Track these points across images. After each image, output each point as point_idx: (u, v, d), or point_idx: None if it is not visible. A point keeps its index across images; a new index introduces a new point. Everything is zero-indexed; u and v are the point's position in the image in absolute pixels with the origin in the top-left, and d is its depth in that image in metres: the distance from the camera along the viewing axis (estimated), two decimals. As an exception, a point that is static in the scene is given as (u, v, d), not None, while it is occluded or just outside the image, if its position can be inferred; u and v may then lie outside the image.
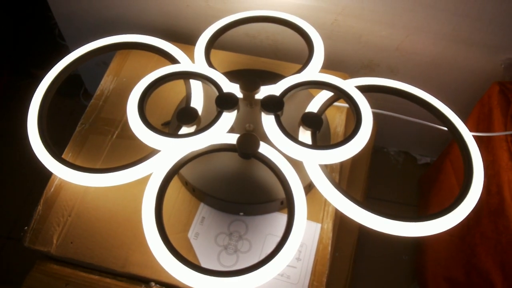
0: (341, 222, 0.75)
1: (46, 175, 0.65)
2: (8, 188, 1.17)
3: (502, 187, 0.67)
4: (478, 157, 0.61)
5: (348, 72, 0.84)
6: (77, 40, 1.03)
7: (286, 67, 0.79)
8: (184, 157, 0.58)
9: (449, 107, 0.64)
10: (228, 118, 0.59)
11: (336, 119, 0.72)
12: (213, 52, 0.80)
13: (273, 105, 0.59)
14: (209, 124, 0.58)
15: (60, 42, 1.13)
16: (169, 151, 0.58)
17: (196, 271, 0.50)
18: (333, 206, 0.64)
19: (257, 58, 0.80)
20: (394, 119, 0.73)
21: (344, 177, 0.76)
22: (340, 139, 0.71)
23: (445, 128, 0.65)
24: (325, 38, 0.86)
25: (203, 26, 0.82)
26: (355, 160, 0.83)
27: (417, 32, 0.80)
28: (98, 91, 0.75)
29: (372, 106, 0.70)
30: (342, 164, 0.74)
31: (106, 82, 0.76)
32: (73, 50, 0.70)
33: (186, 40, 0.94)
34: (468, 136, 0.63)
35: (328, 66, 0.77)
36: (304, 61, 0.69)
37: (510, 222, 0.64)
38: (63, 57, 0.69)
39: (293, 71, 0.68)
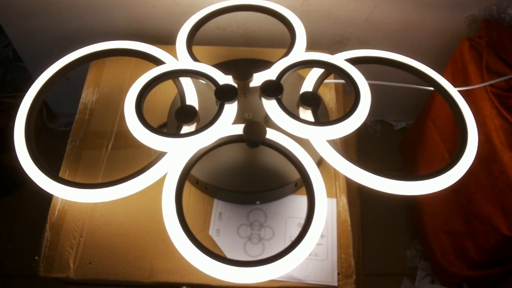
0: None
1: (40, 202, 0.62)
2: None
3: (490, 135, 0.71)
4: (468, 112, 0.64)
5: (321, 49, 0.86)
6: (37, 59, 0.98)
7: (266, 53, 0.79)
8: (195, 155, 0.57)
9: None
10: (231, 109, 0.58)
11: (327, 96, 0.73)
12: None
13: (273, 89, 0.59)
14: (214, 119, 0.57)
15: (17, 64, 1.07)
16: (178, 151, 0.57)
17: (231, 265, 0.50)
18: (343, 180, 0.66)
19: (236, 48, 0.80)
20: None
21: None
22: (335, 114, 0.72)
23: (431, 88, 0.68)
24: (296, 20, 0.87)
25: (173, 24, 0.81)
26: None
27: (384, 1, 0.83)
28: (80, 105, 0.72)
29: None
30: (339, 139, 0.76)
31: (87, 95, 0.73)
32: (33, 71, 0.66)
33: (156, 41, 0.92)
34: (455, 93, 0.66)
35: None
36: (279, 45, 0.69)
37: (504, 165, 0.68)
38: (26, 79, 0.65)
39: (273, 56, 0.69)
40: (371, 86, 0.74)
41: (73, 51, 0.67)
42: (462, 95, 0.80)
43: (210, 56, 0.79)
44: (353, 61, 0.65)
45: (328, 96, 0.73)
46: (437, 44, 0.92)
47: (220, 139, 0.58)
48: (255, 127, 0.58)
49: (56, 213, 0.61)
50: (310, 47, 0.81)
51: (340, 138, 0.84)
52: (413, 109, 1.13)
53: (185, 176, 0.56)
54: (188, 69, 0.62)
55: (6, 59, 1.09)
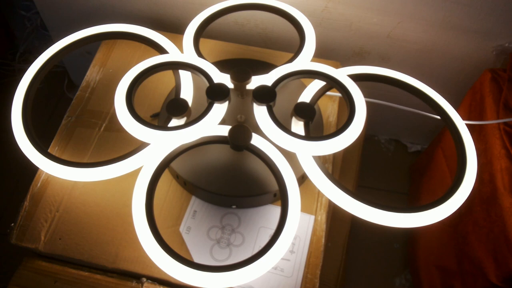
0: (334, 212, 0.75)
1: (33, 170, 0.63)
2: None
3: (495, 176, 0.67)
4: (471, 147, 0.60)
5: (339, 60, 0.83)
6: (61, 30, 1.00)
7: (277, 56, 0.77)
8: (175, 150, 0.57)
9: (441, 94, 0.63)
10: (220, 109, 0.58)
11: (329, 108, 0.71)
12: (202, 41, 0.78)
13: (265, 95, 0.58)
14: (200, 116, 0.57)
15: (44, 32, 1.10)
16: (159, 144, 0.57)
17: (189, 266, 0.49)
18: (326, 198, 0.64)
19: (247, 47, 0.78)
20: (385, 107, 0.73)
21: (337, 167, 0.76)
22: (333, 129, 0.70)
23: (438, 117, 0.65)
24: (315, 26, 0.85)
25: (192, 14, 0.80)
26: (347, 150, 0.82)
27: (408, 19, 0.79)
28: (84, 83, 0.73)
29: (363, 95, 0.69)
30: (334, 154, 0.74)
31: (92, 73, 0.74)
32: (56, 41, 0.68)
33: (174, 29, 0.92)
34: (462, 125, 0.62)
35: (319, 54, 0.75)
36: (295, 50, 0.68)
37: (503, 210, 0.64)
38: (46, 48, 0.67)
39: (284, 60, 0.67)
40: (378, 104, 0.71)
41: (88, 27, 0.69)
42: (475, 129, 0.76)
43: (220, 51, 0.78)
44: (357, 78, 0.63)
45: (330, 109, 0.71)
46: (459, 70, 0.87)
47: (204, 137, 0.58)
48: (240, 131, 0.57)
49: (38, 185, 0.63)
50: (328, 56, 0.79)
51: (341, 152, 0.81)
52: (430, 133, 1.09)
53: (161, 169, 0.55)
54: (184, 62, 0.61)
55: (35, 26, 1.12)
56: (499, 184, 0.66)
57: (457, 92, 0.88)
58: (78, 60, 1.11)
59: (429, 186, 0.94)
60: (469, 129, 0.74)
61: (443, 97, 0.63)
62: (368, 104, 0.71)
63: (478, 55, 0.82)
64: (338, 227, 0.79)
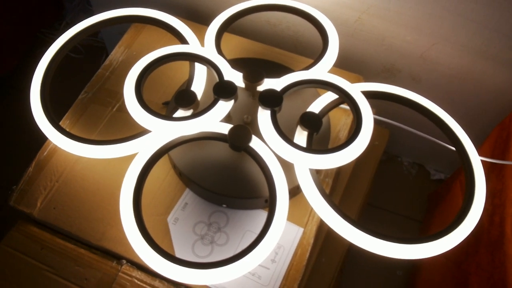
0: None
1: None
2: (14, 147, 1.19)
3: (505, 220, 0.63)
4: (482, 185, 0.57)
5: (368, 74, 0.81)
6: (103, 6, 1.03)
7: (300, 61, 0.76)
8: (173, 140, 0.57)
9: (468, 125, 0.60)
10: (224, 107, 0.57)
11: (341, 122, 0.69)
12: (229, 36, 0.78)
13: (271, 100, 0.57)
14: (203, 111, 0.57)
15: (88, 7, 1.14)
16: (159, 132, 0.57)
17: (165, 258, 0.50)
18: (320, 212, 0.62)
19: (272, 48, 0.77)
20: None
21: (342, 183, 0.74)
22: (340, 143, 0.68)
23: (453, 148, 0.61)
24: (346, 36, 0.83)
25: (226, 7, 0.80)
26: (358, 167, 0.80)
27: (444, 41, 0.76)
28: (107, 61, 0.75)
29: (387, 114, 0.66)
30: (340, 169, 0.72)
31: (117, 53, 0.76)
32: None
33: (206, 21, 0.93)
34: (476, 160, 0.59)
35: (347, 65, 0.74)
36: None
37: (506, 258, 0.60)
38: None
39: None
40: (394, 125, 0.69)
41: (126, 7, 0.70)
42: (496, 167, 0.71)
43: (245, 49, 0.77)
44: (371, 95, 0.61)
45: (342, 123, 0.69)
46: (491, 103, 0.82)
47: (203, 132, 0.57)
48: (241, 131, 0.56)
49: (45, 153, 0.65)
50: (356, 68, 0.77)
51: (350, 168, 0.79)
52: (455, 163, 1.04)
53: (156, 158, 0.56)
54: (198, 54, 0.61)
55: (81, 0, 1.16)
56: (507, 229, 0.62)
57: (485, 124, 0.84)
58: (116, 38, 1.14)
59: (441, 218, 0.90)
60: (489, 167, 0.70)
61: (470, 127, 0.60)
62: (393, 124, 0.69)
63: (514, 89, 0.77)
64: (336, 244, 0.77)
